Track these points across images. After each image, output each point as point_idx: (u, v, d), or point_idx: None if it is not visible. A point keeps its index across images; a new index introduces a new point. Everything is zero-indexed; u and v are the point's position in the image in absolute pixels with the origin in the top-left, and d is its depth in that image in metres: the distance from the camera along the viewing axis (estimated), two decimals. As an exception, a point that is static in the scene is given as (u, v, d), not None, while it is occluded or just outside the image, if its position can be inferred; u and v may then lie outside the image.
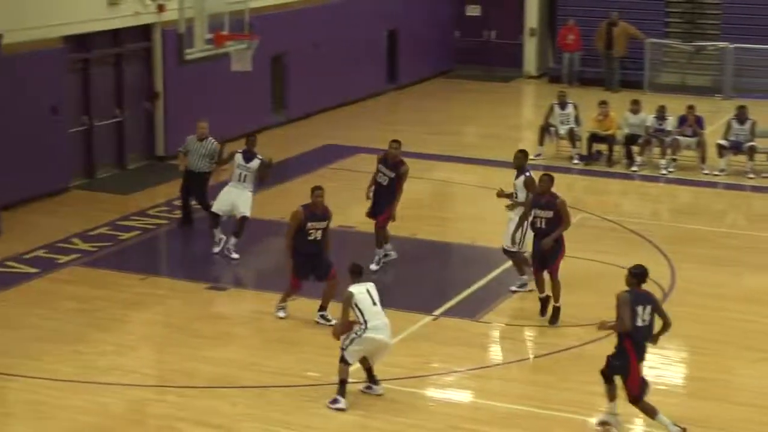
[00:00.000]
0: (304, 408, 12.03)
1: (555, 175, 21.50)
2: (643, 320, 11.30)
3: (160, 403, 12.16)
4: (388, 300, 15.04)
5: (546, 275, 14.49)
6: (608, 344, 13.72)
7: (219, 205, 16.65)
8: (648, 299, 11.42)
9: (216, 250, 16.70)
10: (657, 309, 11.45)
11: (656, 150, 22.28)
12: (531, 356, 13.83)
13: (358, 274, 12.27)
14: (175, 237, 17.84)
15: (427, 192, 20.41)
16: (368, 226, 18.13)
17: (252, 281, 16.45)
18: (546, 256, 14.34)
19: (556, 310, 14.42)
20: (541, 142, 22.74)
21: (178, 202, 18.16)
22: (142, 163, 21.42)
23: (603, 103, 22.70)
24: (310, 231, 14.06)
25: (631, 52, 29.24)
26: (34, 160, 18.62)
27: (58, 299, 14.86)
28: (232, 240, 16.58)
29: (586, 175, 21.96)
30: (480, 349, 13.91)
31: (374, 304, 12.13)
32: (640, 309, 11.25)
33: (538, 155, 22.64)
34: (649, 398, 11.41)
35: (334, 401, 12.03)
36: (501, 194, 15.73)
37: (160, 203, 19.10)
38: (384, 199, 16.26)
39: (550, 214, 14.32)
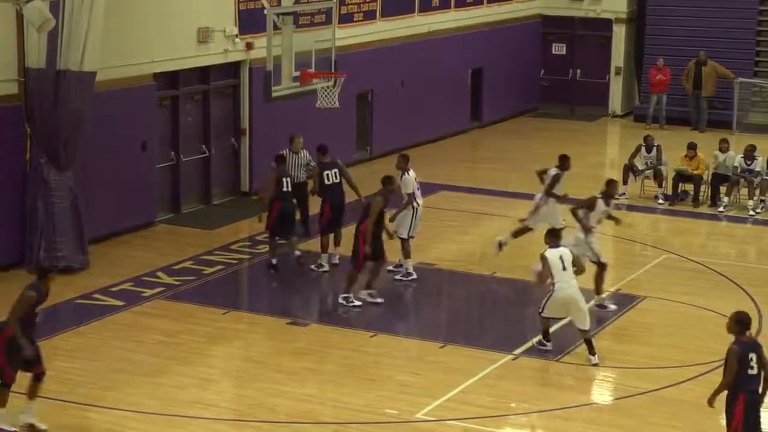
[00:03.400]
0: (381, 445, 12.05)
1: (639, 214, 21.83)
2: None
3: (239, 437, 12.27)
4: (466, 338, 15.14)
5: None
6: (691, 387, 13.56)
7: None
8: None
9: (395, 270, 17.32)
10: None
11: (744, 191, 21.99)
12: (611, 398, 13.67)
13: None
14: (257, 272, 18.00)
15: (508, 230, 20.32)
16: (448, 263, 18.17)
17: (333, 317, 16.51)
18: None
19: None
20: (625, 181, 22.56)
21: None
22: (226, 198, 21.70)
23: (692, 146, 22.41)
24: None
25: (719, 91, 28.92)
26: (122, 195, 18.96)
27: (141, 332, 15.08)
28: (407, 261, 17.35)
29: (671, 215, 21.74)
30: (560, 389, 13.80)
31: (564, 269, 14.12)
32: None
33: (622, 194, 22.45)
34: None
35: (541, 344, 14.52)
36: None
37: (244, 238, 19.32)
38: None
39: None
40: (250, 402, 13.03)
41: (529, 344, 14.83)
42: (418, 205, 17.27)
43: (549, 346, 14.59)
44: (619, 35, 30.91)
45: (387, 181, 16.19)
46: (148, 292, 16.52)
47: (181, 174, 20.68)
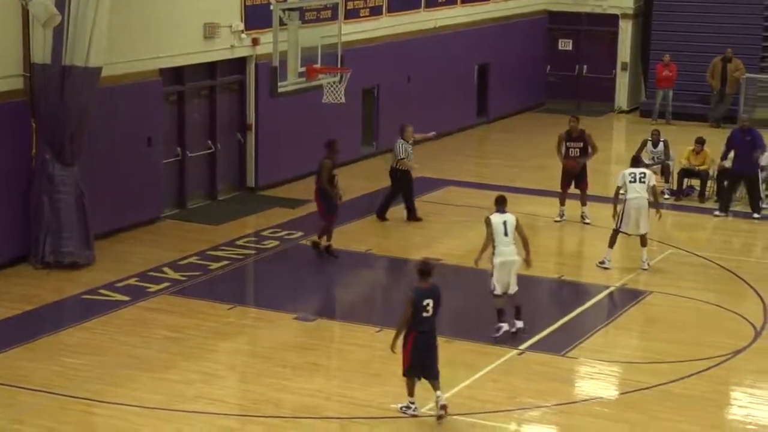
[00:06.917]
0: (386, 440, 12.05)
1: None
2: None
3: (244, 432, 12.27)
4: (473, 334, 15.13)
5: None
6: (696, 382, 13.55)
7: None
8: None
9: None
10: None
11: (750, 186, 21.91)
12: (617, 393, 13.65)
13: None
14: (263, 267, 18.00)
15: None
16: (455, 258, 18.13)
17: (339, 312, 16.52)
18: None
19: None
20: (632, 177, 22.48)
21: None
22: (232, 194, 21.70)
23: (699, 141, 22.37)
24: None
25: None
26: (128, 190, 18.97)
27: (147, 327, 15.08)
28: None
29: (677, 210, 21.69)
30: (566, 384, 13.78)
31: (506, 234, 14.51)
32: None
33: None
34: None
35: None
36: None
37: (249, 234, 19.32)
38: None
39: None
40: (255, 397, 13.03)
41: (535, 339, 14.83)
42: (627, 199, 17.57)
43: (506, 326, 14.76)
44: (626, 31, 30.88)
45: None
46: (154, 288, 16.52)
47: (186, 169, 20.68)
